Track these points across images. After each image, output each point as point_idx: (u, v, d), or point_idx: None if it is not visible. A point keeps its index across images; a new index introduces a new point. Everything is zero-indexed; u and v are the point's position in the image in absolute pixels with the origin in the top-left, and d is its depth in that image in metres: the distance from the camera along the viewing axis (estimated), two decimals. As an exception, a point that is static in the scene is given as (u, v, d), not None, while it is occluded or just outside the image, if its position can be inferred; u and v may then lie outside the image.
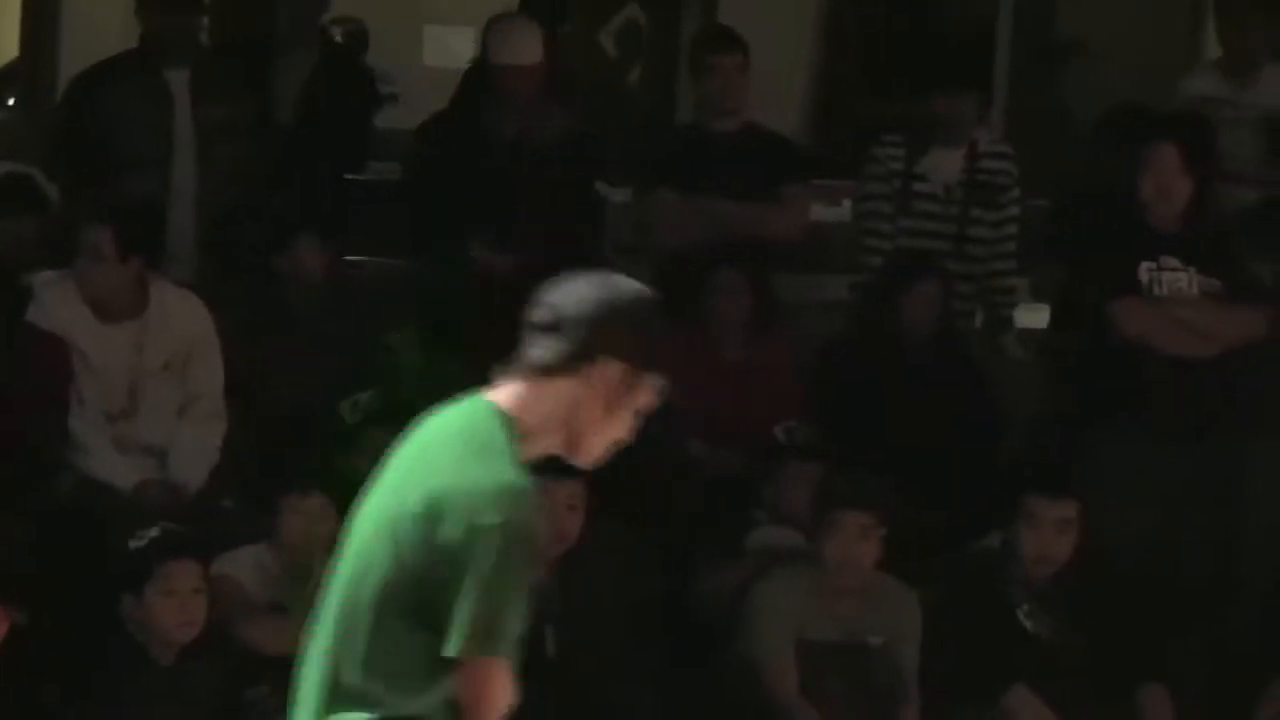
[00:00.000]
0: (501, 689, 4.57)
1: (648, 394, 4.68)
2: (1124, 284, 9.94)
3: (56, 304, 9.01)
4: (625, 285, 4.80)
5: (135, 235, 9.07)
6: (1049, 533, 9.05)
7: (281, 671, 7.85)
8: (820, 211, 11.35)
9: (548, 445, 4.67)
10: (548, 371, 4.59)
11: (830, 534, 9.04)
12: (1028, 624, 9.38)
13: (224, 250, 10.28)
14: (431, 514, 4.48)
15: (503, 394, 4.65)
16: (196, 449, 9.11)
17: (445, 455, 4.60)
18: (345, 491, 7.49)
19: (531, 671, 4.73)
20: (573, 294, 4.68)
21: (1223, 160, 11.04)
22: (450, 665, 4.54)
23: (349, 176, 11.40)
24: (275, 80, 11.31)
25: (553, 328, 4.59)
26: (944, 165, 10.71)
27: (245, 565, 8.55)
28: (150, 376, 9.12)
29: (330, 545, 7.57)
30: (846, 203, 11.47)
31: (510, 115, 10.32)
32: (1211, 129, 10.88)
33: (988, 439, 9.73)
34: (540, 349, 4.60)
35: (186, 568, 8.01)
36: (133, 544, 8.13)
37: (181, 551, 8.10)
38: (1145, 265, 9.91)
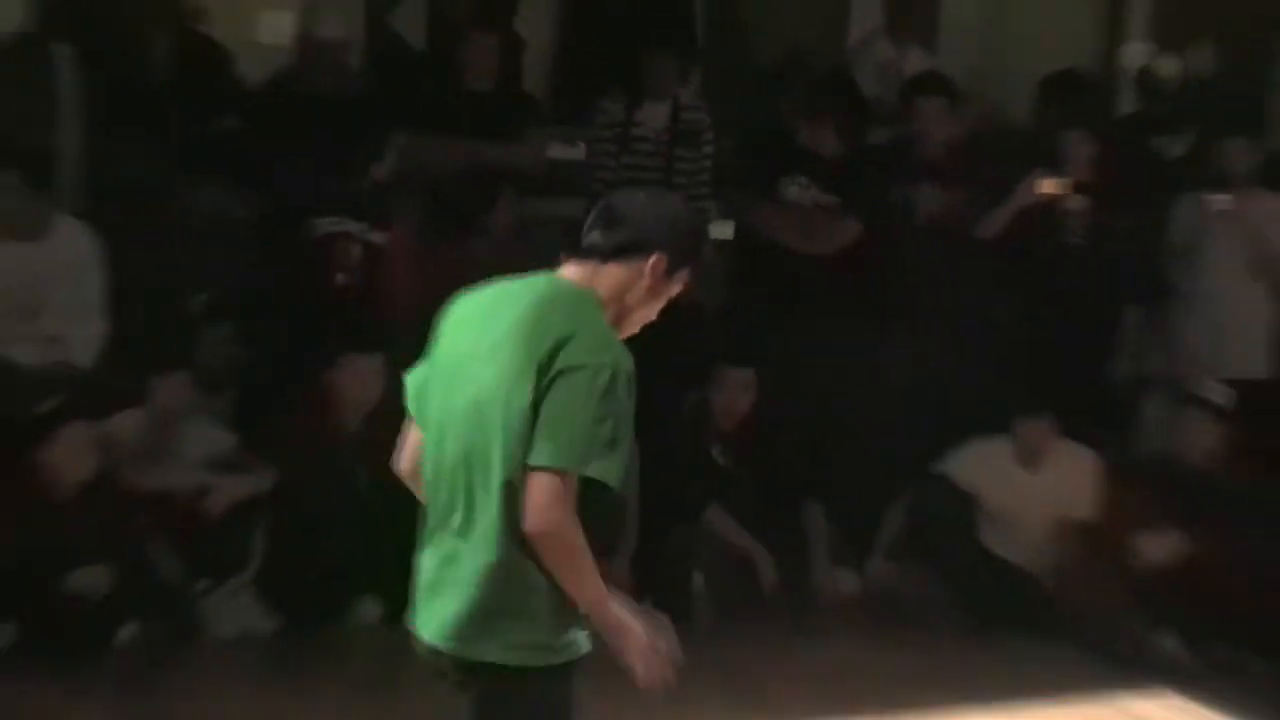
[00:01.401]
0: (564, 509, 4.93)
1: (680, 285, 5.31)
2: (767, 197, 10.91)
3: None
4: (674, 201, 5.71)
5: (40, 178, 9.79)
6: (733, 393, 9.87)
7: (159, 507, 8.88)
8: (561, 150, 11.80)
9: (605, 317, 5.19)
10: (610, 256, 5.22)
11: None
12: (720, 460, 9.97)
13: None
14: (555, 353, 4.97)
15: (572, 273, 5.25)
16: (83, 336, 9.69)
17: (560, 315, 5.09)
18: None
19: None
20: (635, 202, 5.47)
21: (871, 107, 11.57)
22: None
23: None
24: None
25: (618, 225, 5.27)
26: (654, 116, 11.22)
27: (125, 424, 9.25)
28: (46, 285, 9.66)
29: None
30: (581, 144, 11.83)
31: (325, 77, 10.88)
32: (855, 83, 11.61)
33: (690, 323, 8.96)
34: (606, 240, 5.24)
35: (77, 428, 8.86)
36: (37, 408, 9.06)
37: (73, 412, 8.97)
38: (789, 184, 10.85)
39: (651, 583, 9.36)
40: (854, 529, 10.18)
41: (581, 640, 5.23)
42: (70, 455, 8.91)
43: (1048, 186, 10.60)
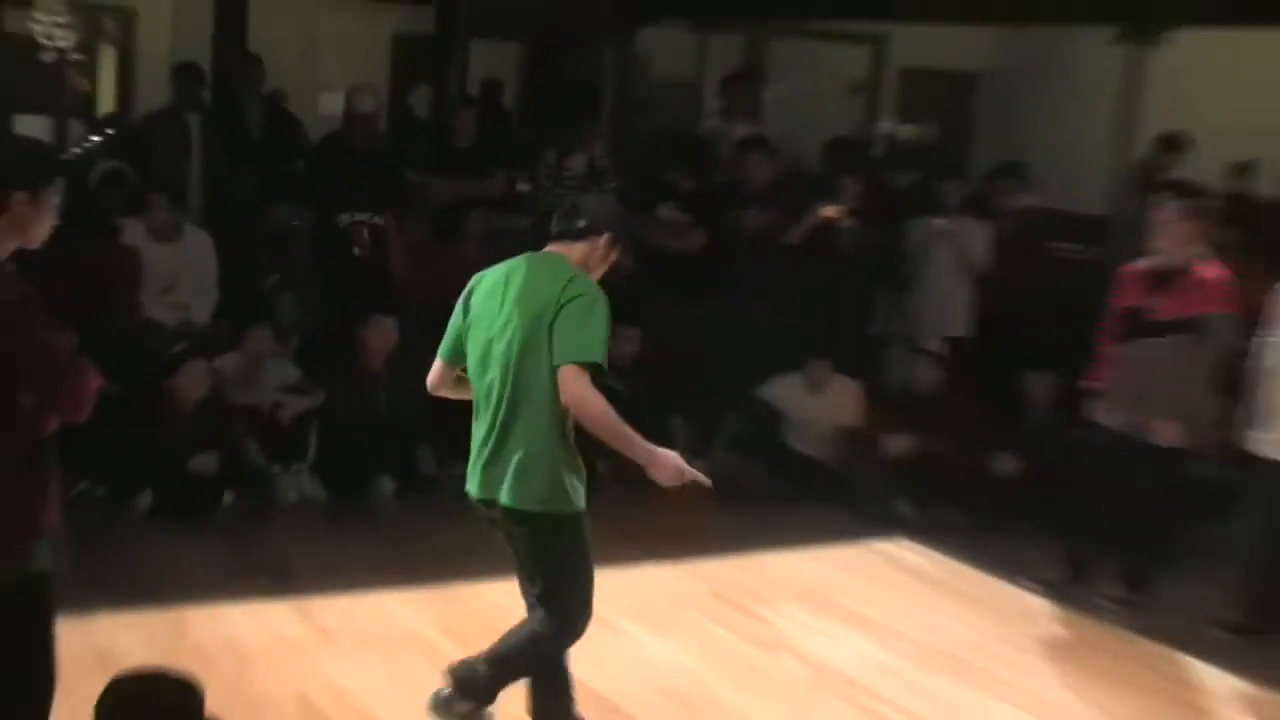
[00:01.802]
0: (588, 385, 5.00)
1: (617, 255, 5.42)
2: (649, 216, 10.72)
3: (133, 233, 9.52)
4: (613, 201, 5.99)
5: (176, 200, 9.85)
6: (624, 342, 9.23)
7: (249, 418, 8.86)
8: (517, 185, 11.66)
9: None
10: (577, 238, 5.36)
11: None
12: (617, 386, 10.05)
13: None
14: (561, 296, 5.07)
15: (557, 249, 5.36)
16: (202, 305, 9.71)
17: (552, 274, 5.21)
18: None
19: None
20: (590, 202, 5.76)
21: (716, 159, 11.70)
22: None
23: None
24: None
25: (580, 217, 5.40)
26: (577, 163, 11.10)
27: (228, 363, 9.09)
28: (181, 271, 9.64)
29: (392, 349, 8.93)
30: (529, 182, 11.64)
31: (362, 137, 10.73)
32: (712, 145, 11.78)
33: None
34: (573, 226, 5.37)
35: (198, 363, 8.73)
36: (171, 351, 8.90)
37: (195, 353, 8.82)
38: (663, 208, 10.90)
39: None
40: (704, 433, 9.96)
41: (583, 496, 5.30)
42: (191, 381, 8.75)
43: (829, 211, 10.42)
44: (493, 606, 6.98)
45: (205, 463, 8.56)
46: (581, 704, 5.70)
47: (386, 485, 9.07)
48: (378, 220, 10.24)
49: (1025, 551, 8.51)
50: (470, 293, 5.49)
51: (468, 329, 5.42)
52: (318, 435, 9.10)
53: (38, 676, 4.26)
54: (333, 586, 7.35)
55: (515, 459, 5.19)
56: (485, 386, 5.31)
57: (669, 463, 5.10)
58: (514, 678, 5.56)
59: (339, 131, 10.97)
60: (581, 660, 5.60)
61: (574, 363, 5.01)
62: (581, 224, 5.40)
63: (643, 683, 5.88)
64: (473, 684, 5.58)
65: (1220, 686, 7.08)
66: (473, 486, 5.38)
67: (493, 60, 14.14)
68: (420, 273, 10.35)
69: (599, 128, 11.55)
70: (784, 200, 10.75)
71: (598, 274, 5.36)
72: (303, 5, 12.83)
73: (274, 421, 9.05)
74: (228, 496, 8.62)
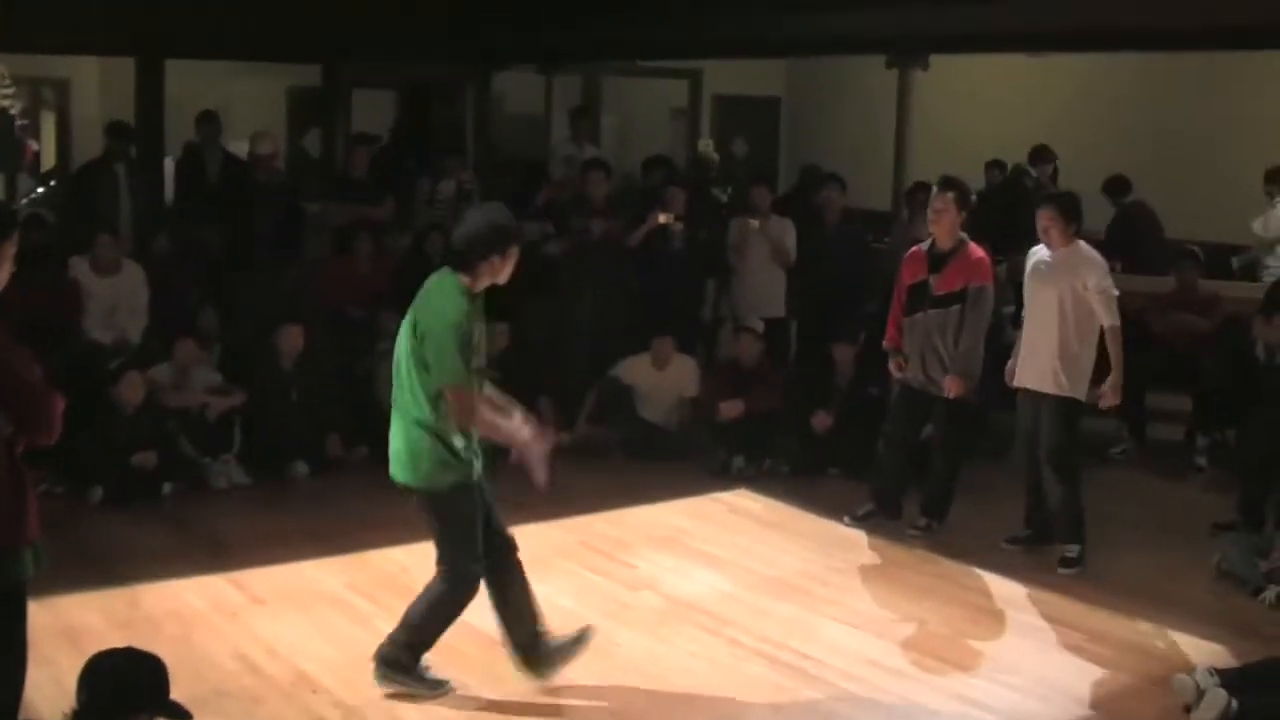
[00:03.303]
0: (466, 399, 5.10)
1: (507, 265, 5.24)
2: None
3: (79, 268, 9.40)
4: (498, 214, 5.35)
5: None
6: (498, 338, 8.60)
7: (181, 418, 8.64)
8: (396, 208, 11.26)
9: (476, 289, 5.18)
10: (466, 266, 5.17)
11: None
12: (492, 374, 9.98)
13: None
14: (429, 336, 5.08)
15: (460, 274, 5.16)
16: (136, 326, 9.50)
17: (434, 310, 5.12)
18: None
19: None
20: (467, 224, 5.30)
21: (564, 178, 11.80)
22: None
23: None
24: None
25: (462, 243, 5.22)
26: (447, 188, 11.26)
27: (161, 372, 8.87)
28: (120, 299, 9.49)
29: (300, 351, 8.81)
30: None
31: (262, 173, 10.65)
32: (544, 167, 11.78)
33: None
34: (458, 256, 5.21)
35: (134, 374, 8.58)
36: (111, 365, 8.82)
37: (131, 365, 8.70)
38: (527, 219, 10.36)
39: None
40: (567, 410, 9.74)
41: (476, 468, 5.31)
42: (130, 389, 8.58)
43: (662, 217, 10.29)
44: (398, 568, 7.10)
45: (146, 458, 8.41)
46: (472, 645, 5.79)
47: (301, 468, 8.95)
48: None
49: (841, 492, 8.51)
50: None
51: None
52: (241, 429, 8.97)
53: (12, 665, 4.19)
54: (261, 558, 7.25)
55: (400, 440, 5.32)
56: (395, 379, 5.34)
57: (520, 439, 5.26)
58: (431, 638, 5.54)
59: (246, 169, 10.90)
60: (477, 607, 5.58)
61: (452, 384, 5.10)
62: (467, 249, 5.22)
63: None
64: (395, 659, 5.54)
65: (1004, 590, 7.15)
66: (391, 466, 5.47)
67: (372, 106, 14.04)
68: (322, 285, 10.39)
69: (463, 158, 11.36)
70: (623, 210, 10.70)
71: (503, 277, 5.29)
72: (210, 68, 12.67)
73: (203, 420, 8.89)
74: (167, 486, 8.48)
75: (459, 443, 5.24)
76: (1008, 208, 11.38)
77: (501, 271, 5.28)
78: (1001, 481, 8.32)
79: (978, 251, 7.80)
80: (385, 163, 11.98)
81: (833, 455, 9.25)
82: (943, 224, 7.78)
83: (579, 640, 5.69)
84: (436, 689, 5.51)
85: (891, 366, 8.00)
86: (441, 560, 5.46)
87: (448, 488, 5.29)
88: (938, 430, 8.03)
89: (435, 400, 5.16)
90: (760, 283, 10.51)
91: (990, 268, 7.89)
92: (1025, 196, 11.43)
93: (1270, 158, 11.63)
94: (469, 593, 5.46)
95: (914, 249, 8.03)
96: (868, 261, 10.70)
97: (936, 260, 7.82)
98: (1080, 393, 7.36)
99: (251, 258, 10.24)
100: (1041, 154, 12.76)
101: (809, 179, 12.68)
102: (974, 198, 8.03)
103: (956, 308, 7.70)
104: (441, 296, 5.20)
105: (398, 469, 5.35)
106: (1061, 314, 7.30)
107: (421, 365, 5.15)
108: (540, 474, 5.25)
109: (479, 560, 5.40)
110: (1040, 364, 7.40)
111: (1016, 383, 7.59)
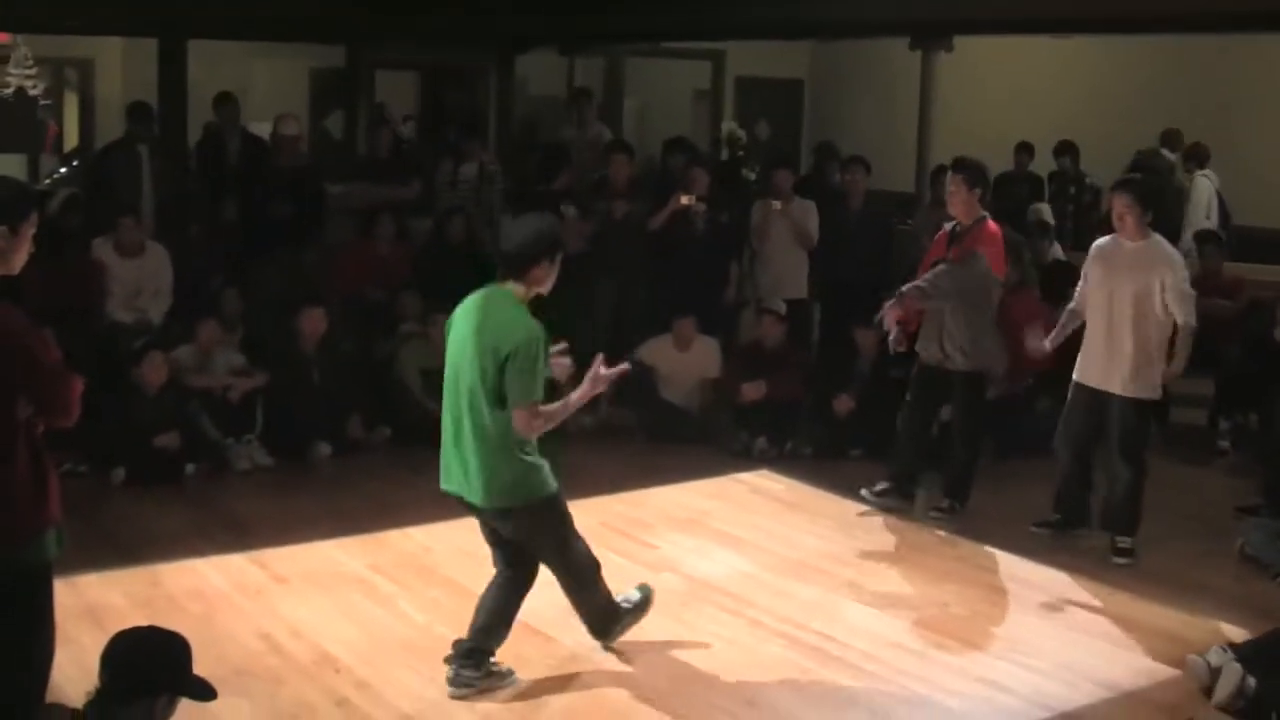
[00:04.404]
0: (536, 418, 5.02)
1: (553, 272, 5.24)
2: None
3: (103, 250, 9.42)
4: (544, 222, 5.38)
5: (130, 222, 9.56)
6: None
7: (203, 400, 8.65)
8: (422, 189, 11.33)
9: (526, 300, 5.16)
10: (520, 273, 5.15)
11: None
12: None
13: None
14: (501, 357, 4.99)
15: (514, 284, 5.15)
16: (159, 308, 9.54)
17: (498, 330, 5.04)
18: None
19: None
20: (517, 232, 5.28)
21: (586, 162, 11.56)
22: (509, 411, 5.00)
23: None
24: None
25: (516, 251, 5.17)
26: (469, 170, 11.08)
27: (183, 353, 8.91)
28: (143, 280, 9.51)
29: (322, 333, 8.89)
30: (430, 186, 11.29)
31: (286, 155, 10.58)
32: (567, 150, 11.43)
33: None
34: (513, 264, 5.15)
35: (157, 355, 8.60)
36: (133, 346, 8.80)
37: (154, 346, 8.69)
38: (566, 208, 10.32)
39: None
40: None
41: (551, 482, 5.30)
42: (153, 370, 8.59)
43: (684, 199, 10.25)
44: (420, 548, 7.16)
45: (169, 439, 8.41)
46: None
47: (323, 450, 8.94)
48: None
49: (863, 475, 8.45)
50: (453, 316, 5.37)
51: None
52: (263, 410, 8.95)
53: (41, 647, 4.18)
54: (283, 538, 7.26)
55: (473, 459, 5.20)
56: (451, 398, 5.27)
57: (591, 387, 5.29)
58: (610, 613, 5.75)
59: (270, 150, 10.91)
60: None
61: (526, 401, 5.03)
62: (519, 255, 5.19)
63: (552, 607, 5.79)
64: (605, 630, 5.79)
65: (1026, 574, 7.13)
66: (445, 479, 5.39)
67: (394, 87, 14.04)
68: (342, 265, 10.42)
69: (485, 141, 11.32)
70: (646, 191, 10.66)
71: (547, 285, 5.28)
72: (232, 49, 12.63)
73: (225, 401, 8.89)
74: (189, 467, 8.48)
75: (532, 447, 5.24)
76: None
77: (547, 279, 5.28)
78: (1024, 467, 8.28)
79: (992, 227, 7.79)
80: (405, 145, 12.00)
81: (855, 437, 9.24)
82: (955, 204, 7.80)
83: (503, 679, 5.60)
84: (505, 679, 5.55)
85: (891, 341, 7.90)
86: (550, 568, 5.54)
87: (543, 496, 5.30)
88: (955, 411, 8.03)
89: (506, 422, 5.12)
90: (782, 265, 10.47)
91: (1002, 243, 7.84)
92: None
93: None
94: (594, 567, 5.61)
95: (942, 230, 8.04)
96: (891, 244, 10.68)
97: (955, 239, 7.84)
98: (1157, 392, 7.26)
99: (272, 240, 10.22)
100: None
101: (822, 156, 12.71)
102: (990, 177, 7.99)
103: (958, 270, 7.68)
104: (507, 312, 5.15)
105: (492, 496, 5.23)
106: (1140, 313, 7.10)
107: (501, 388, 5.06)
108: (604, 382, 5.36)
109: (580, 539, 5.52)
110: (1116, 365, 7.21)
111: (1081, 379, 7.41)
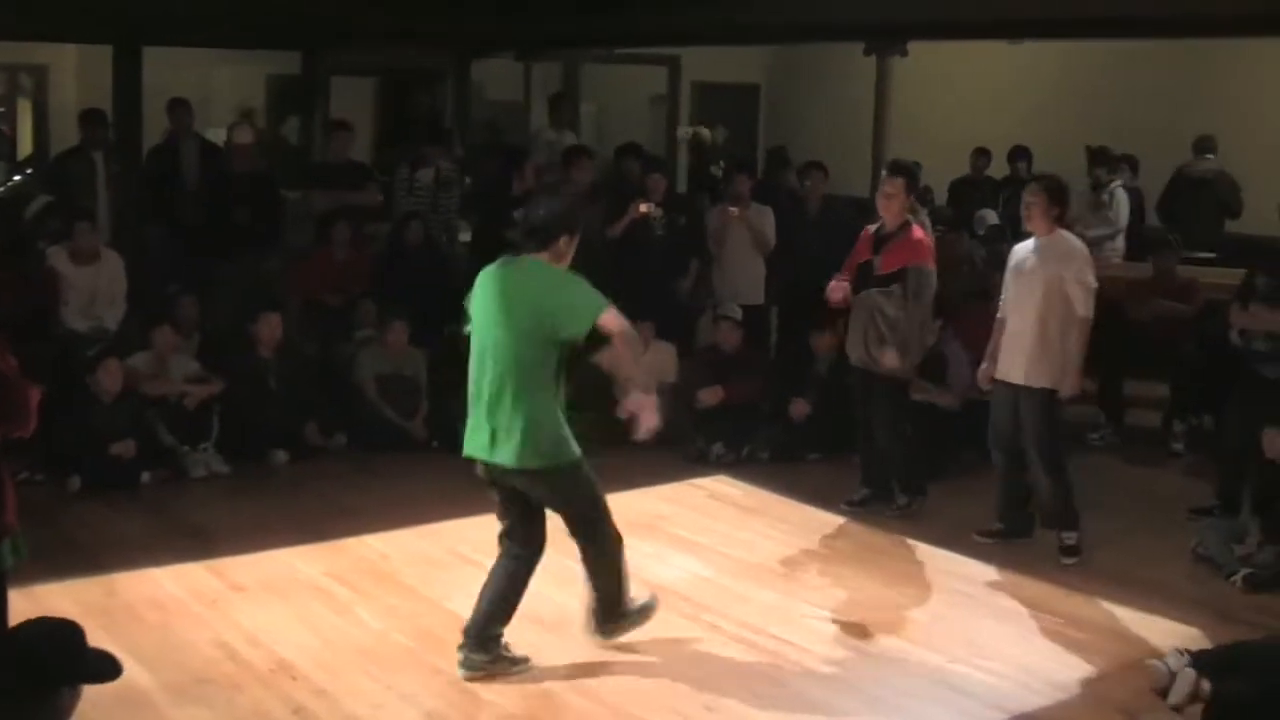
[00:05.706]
0: (621, 317, 5.25)
1: (573, 248, 5.38)
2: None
3: (58, 257, 9.27)
4: (567, 199, 5.73)
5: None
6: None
7: (159, 407, 8.62)
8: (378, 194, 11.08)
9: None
10: (545, 244, 5.31)
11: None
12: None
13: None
14: (549, 297, 5.22)
15: (537, 255, 5.32)
16: (114, 315, 9.38)
17: (540, 279, 5.29)
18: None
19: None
20: (543, 206, 5.46)
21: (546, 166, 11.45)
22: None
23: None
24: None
25: (542, 223, 5.34)
26: (426, 175, 10.87)
27: (140, 360, 8.84)
28: (99, 288, 9.37)
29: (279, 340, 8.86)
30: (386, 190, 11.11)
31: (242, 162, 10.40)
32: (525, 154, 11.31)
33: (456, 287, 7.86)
34: (539, 235, 5.33)
35: (113, 362, 8.54)
36: (89, 353, 8.73)
37: (110, 353, 8.65)
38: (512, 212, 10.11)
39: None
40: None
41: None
42: (109, 377, 8.54)
43: (643, 206, 10.23)
44: (377, 555, 7.15)
45: (124, 447, 8.38)
46: (455, 637, 5.71)
47: (280, 457, 8.93)
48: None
49: (820, 479, 8.49)
50: (476, 287, 5.50)
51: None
52: (219, 417, 8.92)
53: None
54: (240, 546, 7.22)
55: (513, 423, 5.28)
56: (479, 366, 5.35)
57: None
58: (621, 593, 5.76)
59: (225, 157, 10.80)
60: (456, 593, 5.78)
61: (604, 309, 5.23)
62: (546, 227, 5.34)
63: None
64: (610, 627, 5.83)
65: (982, 576, 7.18)
66: (474, 449, 5.44)
67: (351, 93, 13.97)
68: (303, 271, 10.36)
69: (441, 146, 11.26)
70: (603, 198, 10.57)
71: (566, 260, 5.39)
72: (190, 56, 12.53)
73: (181, 408, 8.85)
74: (145, 475, 8.42)
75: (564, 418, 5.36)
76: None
77: (568, 254, 5.39)
78: (983, 468, 8.30)
79: (919, 233, 7.84)
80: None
81: (812, 442, 9.26)
82: (892, 207, 7.82)
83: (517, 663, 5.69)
84: (517, 665, 5.64)
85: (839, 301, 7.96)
86: (576, 536, 5.60)
87: (576, 460, 5.41)
88: (873, 408, 8.07)
89: (558, 372, 5.32)
90: (740, 270, 10.43)
91: (930, 250, 7.89)
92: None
93: (1252, 146, 11.60)
94: (618, 544, 5.68)
95: (865, 230, 8.06)
96: (849, 248, 10.61)
97: (881, 241, 7.87)
98: (1057, 383, 7.29)
99: (229, 246, 10.13)
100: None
101: (775, 161, 12.69)
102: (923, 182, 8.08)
103: (896, 287, 7.75)
104: (543, 268, 5.33)
105: (530, 456, 5.31)
106: (1047, 305, 7.21)
107: (547, 339, 5.22)
108: (652, 420, 5.49)
109: (608, 513, 5.61)
110: (1016, 353, 7.35)
111: (998, 374, 7.51)
